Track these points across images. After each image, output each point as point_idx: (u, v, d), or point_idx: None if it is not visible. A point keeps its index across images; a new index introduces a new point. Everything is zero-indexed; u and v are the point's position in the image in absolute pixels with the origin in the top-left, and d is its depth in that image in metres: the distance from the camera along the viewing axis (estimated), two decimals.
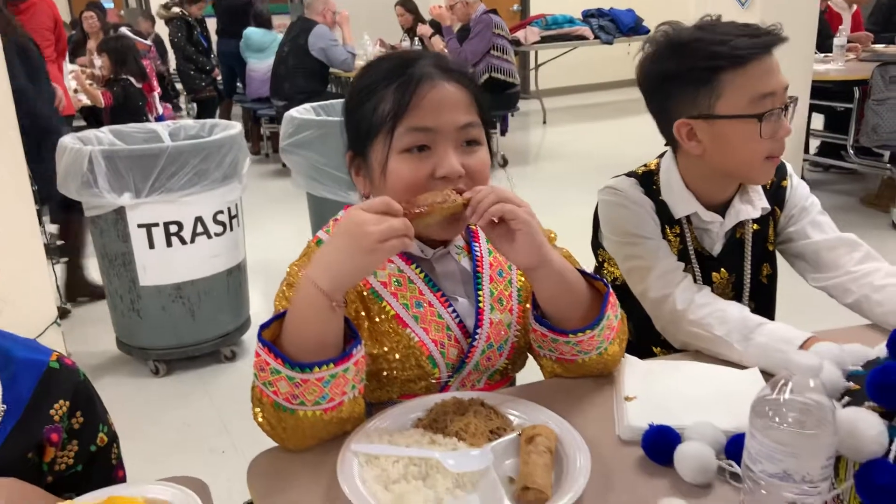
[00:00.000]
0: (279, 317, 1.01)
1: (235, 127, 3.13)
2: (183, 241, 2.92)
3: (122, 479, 1.16)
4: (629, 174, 1.47)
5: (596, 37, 8.27)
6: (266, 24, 6.99)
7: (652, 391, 1.08)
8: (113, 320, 3.15)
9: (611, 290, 1.12)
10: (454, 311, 1.16)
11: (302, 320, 0.98)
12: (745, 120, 1.25)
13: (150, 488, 0.89)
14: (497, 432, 1.01)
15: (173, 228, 2.89)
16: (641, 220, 1.40)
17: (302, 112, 3.32)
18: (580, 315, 1.11)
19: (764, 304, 1.52)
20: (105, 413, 1.14)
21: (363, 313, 1.14)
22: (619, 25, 8.28)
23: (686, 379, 1.13)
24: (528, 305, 1.21)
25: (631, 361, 1.17)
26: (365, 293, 1.14)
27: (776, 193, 1.46)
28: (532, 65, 9.17)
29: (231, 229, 3.06)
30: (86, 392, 1.11)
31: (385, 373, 1.13)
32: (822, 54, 5.19)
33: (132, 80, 4.95)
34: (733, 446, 0.94)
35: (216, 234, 3.00)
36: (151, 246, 2.89)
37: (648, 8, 7.91)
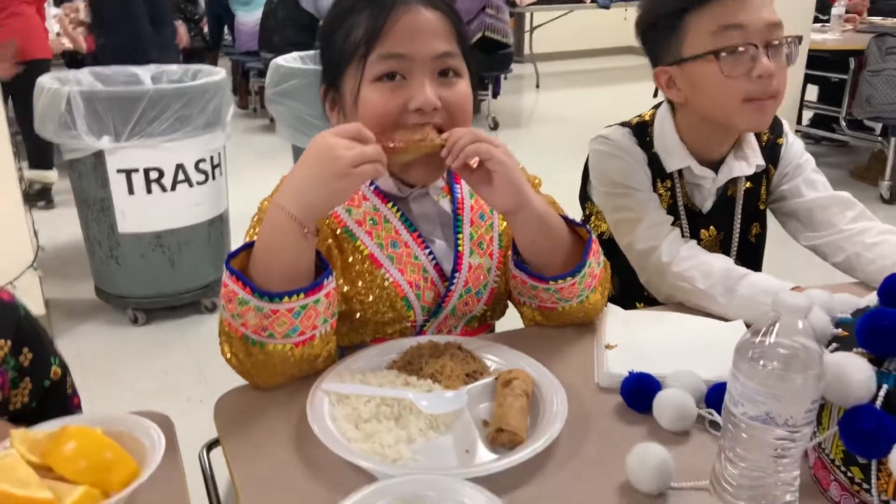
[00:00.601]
0: (248, 246, 0.97)
1: (220, 73, 3.04)
2: (163, 189, 2.85)
3: (78, 406, 1.12)
4: (623, 124, 1.43)
5: (593, 0, 8.15)
6: None
7: (633, 340, 1.05)
8: (91, 267, 3.10)
9: (593, 237, 1.09)
10: (431, 253, 1.12)
11: (271, 248, 0.94)
12: (708, 59, 1.21)
13: (109, 419, 0.85)
14: (473, 376, 0.98)
15: (154, 175, 2.82)
16: (632, 170, 1.36)
17: (288, 60, 3.23)
18: (561, 262, 1.08)
19: (751, 264, 1.48)
20: (52, 344, 1.08)
21: (336, 252, 1.10)
22: None
23: (669, 329, 1.10)
24: (509, 252, 1.17)
25: (613, 310, 1.14)
26: (338, 231, 1.10)
27: (772, 151, 1.42)
28: (527, 27, 9.03)
29: (213, 178, 3.00)
30: (30, 327, 1.04)
31: (358, 314, 1.10)
32: (820, 24, 5.13)
33: None
34: (714, 395, 0.92)
35: (198, 183, 2.94)
36: (131, 192, 2.82)
37: None
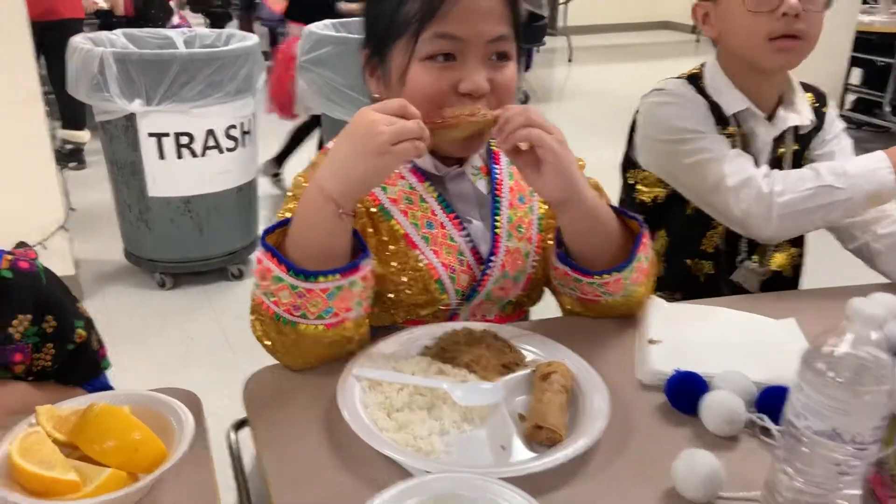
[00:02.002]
0: (284, 223, 0.94)
1: (252, 38, 3.00)
2: (193, 154, 2.84)
3: (104, 357, 1.11)
4: (675, 77, 1.38)
5: None
6: None
7: (678, 335, 1.01)
8: (121, 230, 3.10)
9: (645, 230, 1.03)
10: (468, 235, 1.08)
11: (307, 226, 0.91)
12: None
13: (136, 397, 0.83)
14: (509, 367, 0.94)
15: (184, 140, 2.80)
16: (699, 115, 1.30)
17: (321, 28, 3.18)
18: (609, 256, 1.03)
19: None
20: (75, 303, 1.04)
21: (370, 230, 1.06)
22: None
23: (716, 325, 1.05)
24: (549, 238, 1.13)
25: (657, 303, 1.09)
26: (373, 210, 1.06)
27: (816, 115, 1.38)
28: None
29: (244, 145, 2.98)
30: (52, 295, 1.00)
31: (391, 295, 1.06)
32: (868, 5, 4.95)
33: None
34: (765, 399, 0.87)
35: (228, 150, 2.91)
36: (161, 156, 2.81)
37: None
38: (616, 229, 1.04)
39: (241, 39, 3.03)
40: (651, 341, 1.00)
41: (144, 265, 3.09)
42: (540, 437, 0.82)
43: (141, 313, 2.93)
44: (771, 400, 0.87)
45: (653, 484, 0.78)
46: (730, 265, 1.39)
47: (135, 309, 2.95)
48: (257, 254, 0.92)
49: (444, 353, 0.96)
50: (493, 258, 1.07)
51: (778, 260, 1.41)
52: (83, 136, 4.35)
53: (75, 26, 4.08)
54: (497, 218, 1.09)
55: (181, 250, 2.99)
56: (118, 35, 3.04)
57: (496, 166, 1.12)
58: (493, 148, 1.14)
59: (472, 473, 0.73)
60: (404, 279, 1.06)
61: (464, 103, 0.96)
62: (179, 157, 2.82)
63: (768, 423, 0.85)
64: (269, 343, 0.95)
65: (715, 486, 0.74)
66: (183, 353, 2.65)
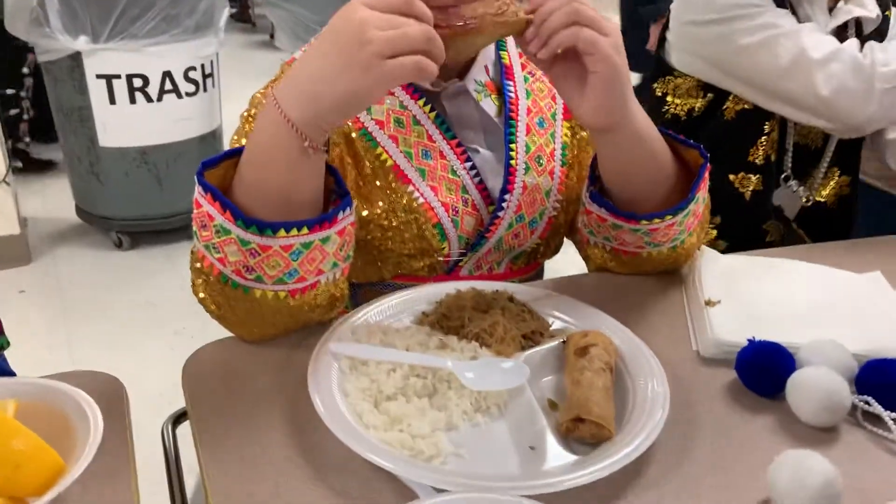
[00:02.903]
0: (231, 154, 0.70)
1: None
2: (149, 99, 2.55)
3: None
4: None
5: None
6: None
7: (742, 294, 0.80)
8: (71, 184, 2.82)
9: (708, 162, 0.81)
10: (474, 167, 0.85)
11: (262, 162, 0.67)
12: None
13: (27, 388, 0.60)
14: (532, 338, 0.73)
15: (137, 83, 2.52)
16: None
17: None
18: (660, 195, 0.81)
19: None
20: None
21: (349, 160, 0.83)
22: None
23: (787, 281, 0.84)
24: (573, 173, 0.91)
25: (708, 255, 0.88)
26: (353, 135, 0.83)
27: (880, 25, 1.17)
28: None
29: (205, 90, 2.69)
30: None
31: (378, 243, 0.84)
32: None
33: None
34: (869, 376, 0.67)
35: (187, 94, 2.63)
36: (112, 101, 2.52)
37: None
38: (670, 161, 0.81)
39: None
40: (708, 302, 0.78)
41: (98, 223, 2.81)
42: (582, 432, 0.61)
43: (95, 277, 2.67)
44: (877, 377, 0.67)
45: (738, 496, 0.57)
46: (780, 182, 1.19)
47: (88, 272, 2.69)
48: (195, 193, 0.68)
49: (447, 320, 0.74)
50: (506, 196, 0.85)
51: (823, 190, 1.22)
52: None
53: None
54: (512, 146, 0.86)
55: (138, 206, 2.72)
56: None
57: (509, 82, 0.89)
58: (504, 60, 0.90)
59: (497, 490, 0.52)
60: (394, 223, 0.83)
61: None
62: (133, 101, 2.53)
63: (877, 408, 0.65)
64: (214, 308, 0.72)
65: (832, 502, 0.54)
66: (143, 322, 2.41)
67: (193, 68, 2.62)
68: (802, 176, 1.20)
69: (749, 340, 0.70)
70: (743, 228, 1.18)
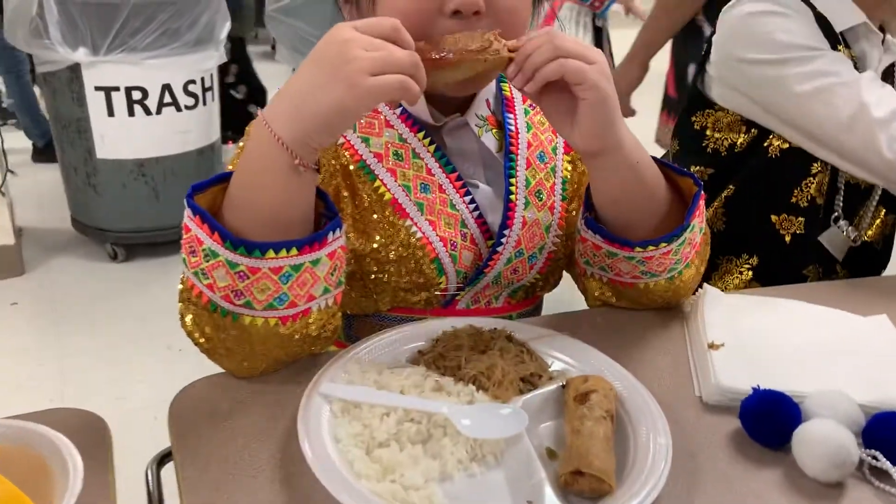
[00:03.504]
0: (220, 178, 0.69)
1: None
2: (147, 111, 2.54)
3: None
4: None
5: None
6: None
7: (746, 337, 0.78)
8: (67, 195, 2.81)
9: (702, 190, 0.80)
10: (473, 201, 0.84)
11: (253, 183, 0.66)
12: None
13: (1, 430, 0.58)
14: (530, 381, 0.71)
15: (136, 95, 2.51)
16: (813, 29, 1.04)
17: None
18: (653, 222, 0.80)
19: None
20: None
21: (346, 194, 0.81)
22: None
23: (792, 323, 0.82)
24: (574, 208, 0.89)
25: (711, 294, 0.86)
26: (352, 167, 0.82)
27: None
28: None
29: (204, 103, 2.69)
30: None
31: (373, 276, 0.82)
32: None
33: None
34: (877, 429, 0.65)
35: (187, 107, 2.62)
36: (111, 113, 2.51)
37: None
38: (663, 187, 0.80)
39: None
40: (711, 345, 0.76)
41: (94, 235, 2.79)
42: (581, 486, 0.59)
43: (89, 289, 2.65)
44: (884, 431, 0.64)
45: None
46: (827, 222, 1.14)
47: (82, 284, 2.67)
48: (184, 217, 0.67)
49: (443, 360, 0.72)
50: (505, 232, 0.83)
51: (868, 230, 1.18)
52: None
53: None
54: (511, 181, 0.84)
55: (135, 219, 2.71)
56: None
57: (509, 115, 0.87)
58: (506, 92, 0.89)
59: None
60: (391, 256, 0.81)
61: (459, 29, 0.71)
62: (131, 114, 2.52)
63: (885, 463, 0.63)
64: (203, 341, 0.71)
65: None
66: (136, 336, 2.38)
67: (193, 81, 2.61)
68: (850, 215, 1.16)
69: (753, 389, 0.68)
70: (781, 271, 1.13)
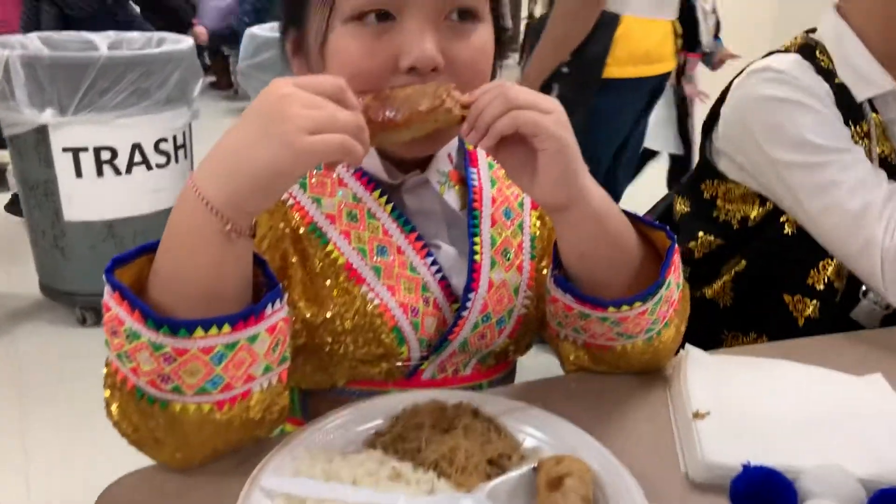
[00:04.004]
0: (146, 248, 0.63)
1: (185, 41, 2.68)
2: (117, 171, 2.49)
3: None
4: (780, 51, 1.04)
5: None
6: None
7: (734, 404, 0.72)
8: (35, 259, 2.72)
9: (675, 244, 0.75)
10: (435, 262, 0.78)
11: (179, 251, 0.60)
12: None
13: None
14: (498, 463, 0.64)
15: (105, 155, 2.45)
16: (830, 122, 0.97)
17: (265, 29, 2.87)
18: (626, 279, 0.74)
19: None
20: None
21: (294, 260, 0.75)
22: None
23: (783, 387, 0.76)
24: (545, 265, 0.84)
25: (694, 357, 0.80)
26: (301, 230, 0.76)
27: None
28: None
29: (176, 161, 2.63)
30: None
31: (328, 348, 0.76)
32: None
33: None
34: None
35: (158, 166, 2.57)
36: (79, 174, 2.45)
37: None
38: (634, 241, 0.75)
39: (174, 42, 2.70)
40: (696, 415, 0.70)
41: (62, 299, 2.71)
42: None
43: (57, 355, 2.55)
44: None
45: None
46: (846, 304, 1.06)
47: (50, 350, 2.56)
48: (104, 295, 0.60)
49: (402, 442, 0.65)
50: (471, 295, 0.77)
51: None
52: (4, 155, 3.94)
53: None
54: (475, 240, 0.79)
55: (104, 282, 2.62)
56: (32, 38, 2.68)
57: (472, 170, 0.82)
58: (468, 146, 0.84)
59: None
60: (346, 327, 0.75)
61: (409, 84, 0.67)
62: (100, 174, 2.46)
63: None
64: (131, 431, 0.64)
65: None
66: (102, 405, 2.28)
67: (165, 140, 2.57)
68: None
69: (744, 465, 0.62)
70: None
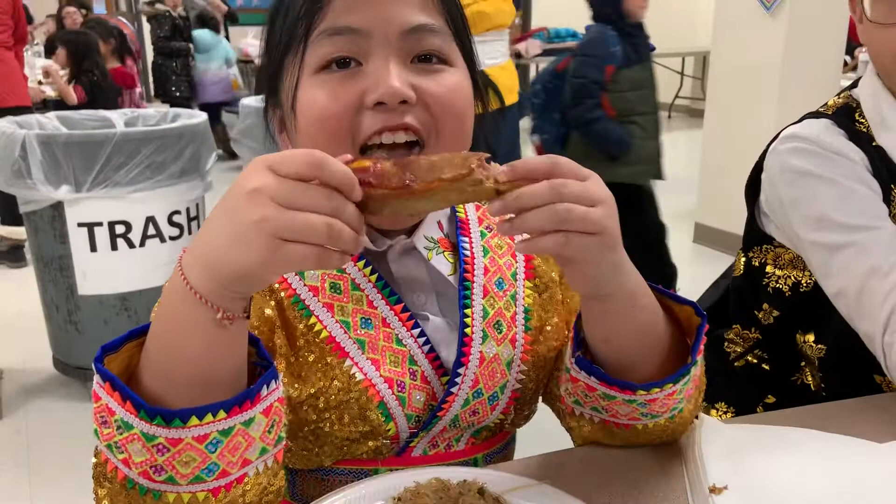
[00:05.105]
0: (136, 333, 0.61)
1: (200, 116, 2.74)
2: (131, 245, 2.51)
3: None
4: (815, 115, 1.01)
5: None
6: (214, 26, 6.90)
7: (751, 478, 0.68)
8: (49, 335, 2.73)
9: (706, 322, 0.71)
10: (423, 334, 0.75)
11: (170, 339, 0.58)
12: None
13: None
14: None
15: (120, 229, 2.48)
16: (856, 196, 0.93)
17: (259, 101, 2.95)
18: (655, 360, 0.71)
19: None
20: None
21: (280, 332, 0.73)
22: None
23: (801, 456, 0.72)
24: (541, 336, 0.80)
25: (709, 426, 0.76)
26: (286, 302, 0.74)
27: None
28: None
29: (189, 233, 2.66)
30: None
31: (313, 427, 0.73)
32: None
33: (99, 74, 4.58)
34: None
35: (171, 238, 2.59)
36: (93, 249, 2.48)
37: (657, 21, 7.58)
38: (664, 323, 0.72)
39: (188, 118, 2.76)
40: (713, 489, 0.67)
41: (75, 374, 2.70)
42: None
43: (70, 431, 2.52)
44: None
45: None
46: None
47: (61, 427, 2.54)
48: (93, 384, 0.58)
49: None
50: (461, 370, 0.75)
51: None
52: (22, 231, 4.01)
53: (20, 115, 3.82)
54: (466, 311, 0.77)
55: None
56: (50, 118, 2.76)
57: (464, 239, 0.80)
58: (460, 214, 0.83)
59: None
60: (331, 404, 0.73)
61: (382, 127, 0.66)
62: (114, 248, 2.49)
63: None
64: None
65: None
66: None
67: (178, 212, 2.60)
68: None
69: None
70: None
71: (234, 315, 0.56)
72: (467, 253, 0.79)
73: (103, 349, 0.59)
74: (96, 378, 0.57)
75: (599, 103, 2.75)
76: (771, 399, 1.11)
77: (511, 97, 2.99)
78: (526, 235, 0.58)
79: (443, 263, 0.78)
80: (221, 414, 0.56)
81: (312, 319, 0.73)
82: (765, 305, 1.09)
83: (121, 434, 0.56)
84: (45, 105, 4.78)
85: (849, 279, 0.91)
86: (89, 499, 0.61)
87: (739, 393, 1.10)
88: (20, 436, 2.48)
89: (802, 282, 1.03)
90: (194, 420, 0.55)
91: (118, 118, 2.85)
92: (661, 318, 0.71)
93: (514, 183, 0.56)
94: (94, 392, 0.58)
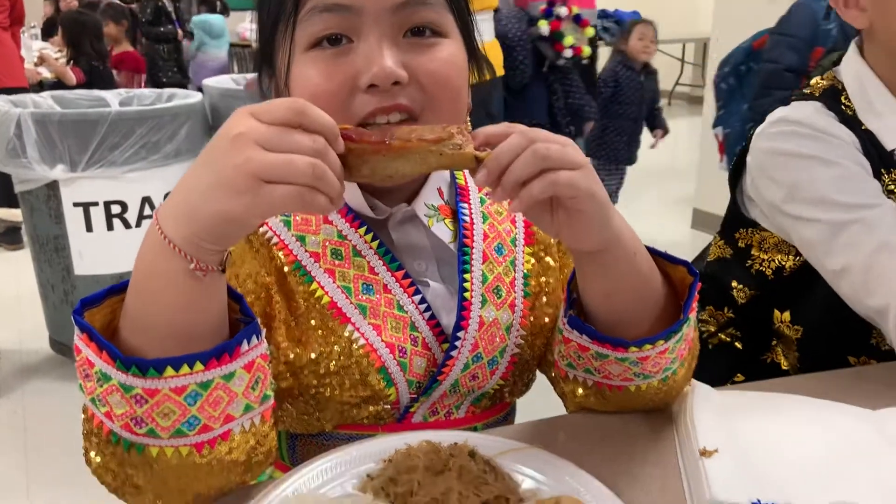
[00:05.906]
0: (117, 289, 0.61)
1: (195, 96, 2.73)
2: (127, 225, 2.51)
3: None
4: (803, 96, 1.00)
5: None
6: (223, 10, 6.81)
7: (742, 441, 0.68)
8: (45, 315, 2.73)
9: (698, 280, 0.71)
10: (423, 300, 0.76)
11: (146, 290, 0.58)
12: None
13: None
14: None
15: (116, 209, 2.48)
16: (855, 175, 0.92)
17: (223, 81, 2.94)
18: (650, 317, 0.71)
19: None
20: None
21: (278, 299, 0.73)
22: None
23: (794, 422, 0.72)
24: (540, 304, 0.81)
25: (700, 392, 0.76)
26: (286, 268, 0.74)
27: None
28: None
29: None
30: None
31: (313, 391, 0.73)
32: None
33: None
34: None
35: None
36: (89, 229, 2.48)
37: (658, 7, 7.54)
38: (659, 278, 0.72)
39: (184, 97, 2.75)
40: (704, 452, 0.67)
41: (71, 354, 2.64)
42: None
43: (66, 412, 2.51)
44: None
45: None
46: None
47: (58, 407, 2.54)
48: (74, 337, 0.58)
49: (394, 485, 0.62)
50: (460, 334, 0.75)
51: None
52: (18, 213, 4.00)
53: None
54: (466, 276, 0.77)
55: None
56: (45, 97, 2.75)
57: (463, 205, 0.80)
58: (460, 181, 0.82)
59: None
60: (332, 368, 0.73)
61: (376, 107, 0.66)
62: (110, 228, 2.49)
63: None
64: (110, 479, 0.61)
65: None
66: None
67: None
68: None
69: (753, 502, 0.58)
70: None
71: (207, 267, 0.55)
72: (466, 219, 0.79)
73: (82, 302, 0.58)
74: (76, 331, 0.57)
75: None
76: (740, 377, 1.11)
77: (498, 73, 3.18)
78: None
79: (443, 230, 0.78)
80: (199, 366, 0.56)
81: (314, 285, 0.73)
82: (742, 286, 1.09)
83: (101, 386, 0.56)
84: (42, 86, 4.76)
85: (856, 255, 0.89)
86: (87, 478, 0.61)
87: (709, 371, 1.10)
88: (17, 416, 2.49)
89: (786, 265, 1.03)
90: (170, 371, 0.55)
91: (113, 98, 2.84)
92: (657, 274, 0.71)
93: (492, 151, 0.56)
94: (75, 346, 0.58)
